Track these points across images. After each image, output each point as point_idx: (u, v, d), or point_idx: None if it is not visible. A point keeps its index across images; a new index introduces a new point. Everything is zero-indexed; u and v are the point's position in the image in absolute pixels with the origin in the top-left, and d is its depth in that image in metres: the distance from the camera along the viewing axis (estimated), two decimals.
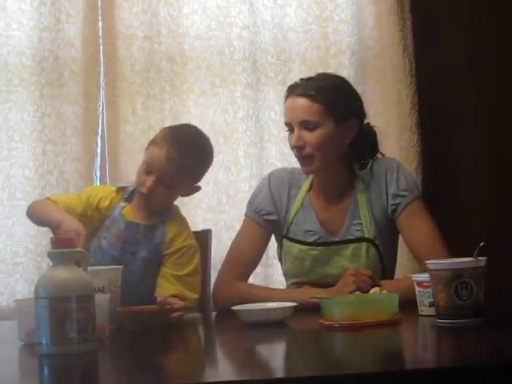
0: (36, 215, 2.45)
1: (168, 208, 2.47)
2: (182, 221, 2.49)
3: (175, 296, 2.28)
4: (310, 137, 2.37)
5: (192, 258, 2.43)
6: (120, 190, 2.50)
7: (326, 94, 2.38)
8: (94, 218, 2.44)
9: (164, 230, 2.43)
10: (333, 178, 2.46)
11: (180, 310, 2.18)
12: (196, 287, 2.42)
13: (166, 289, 2.34)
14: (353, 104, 2.46)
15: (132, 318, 2.14)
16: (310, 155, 2.38)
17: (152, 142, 2.44)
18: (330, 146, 2.39)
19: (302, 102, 2.38)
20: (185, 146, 2.40)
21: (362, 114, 2.48)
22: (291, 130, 2.42)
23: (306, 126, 2.37)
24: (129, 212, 2.44)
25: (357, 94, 2.50)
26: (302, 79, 2.47)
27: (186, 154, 2.39)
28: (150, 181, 2.37)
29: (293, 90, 2.42)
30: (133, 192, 2.47)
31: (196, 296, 2.40)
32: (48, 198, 2.48)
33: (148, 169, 2.39)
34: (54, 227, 2.27)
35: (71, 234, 2.15)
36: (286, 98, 2.44)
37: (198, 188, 2.50)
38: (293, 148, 2.42)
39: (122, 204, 2.46)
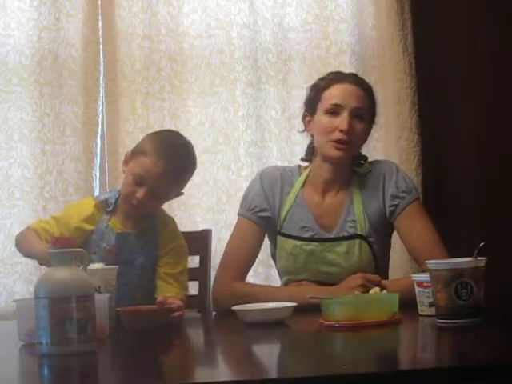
0: (24, 249, 2.38)
1: (155, 212, 2.44)
2: (172, 222, 2.48)
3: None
4: (359, 126, 2.42)
5: (183, 257, 2.44)
6: (100, 203, 2.40)
7: (372, 94, 2.48)
8: (75, 237, 2.26)
9: (156, 234, 2.41)
10: (337, 172, 2.46)
11: (179, 310, 2.18)
12: (186, 285, 2.43)
13: (166, 290, 2.33)
14: (376, 111, 2.52)
15: (131, 318, 2.14)
16: (351, 142, 2.40)
17: (140, 153, 2.35)
18: (361, 142, 2.48)
19: (358, 91, 2.44)
20: (179, 160, 2.36)
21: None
22: (333, 114, 2.41)
23: (356, 114, 2.41)
24: (116, 223, 2.38)
25: None
26: (346, 73, 2.53)
27: (180, 168, 2.36)
28: (141, 193, 2.31)
29: (345, 77, 2.47)
30: (115, 203, 2.40)
31: (186, 293, 2.41)
32: (28, 227, 2.39)
33: (139, 181, 2.32)
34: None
35: None
36: (333, 83, 2.45)
37: (182, 194, 2.48)
38: (331, 132, 2.39)
39: (106, 217, 2.39)
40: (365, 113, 2.43)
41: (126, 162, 2.39)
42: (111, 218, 2.39)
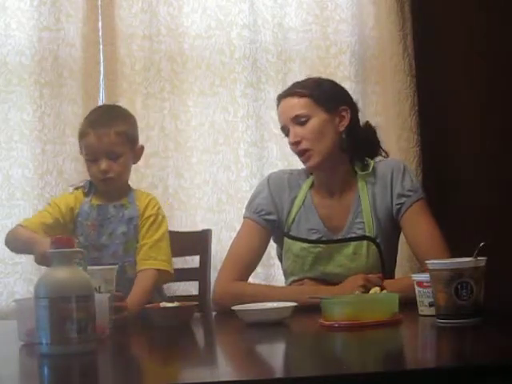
0: (14, 244, 2.53)
1: (130, 190, 2.58)
2: (149, 195, 2.61)
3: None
4: (304, 131, 2.42)
5: (161, 224, 2.54)
6: (78, 188, 2.58)
7: (309, 88, 2.46)
8: (67, 221, 2.53)
9: (135, 206, 2.53)
10: (334, 174, 2.47)
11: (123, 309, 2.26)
12: (168, 255, 2.52)
13: (143, 264, 2.46)
14: (339, 93, 2.51)
15: (158, 315, 2.18)
16: (307, 149, 2.41)
17: (79, 139, 2.55)
18: (326, 135, 2.43)
19: (289, 101, 2.46)
20: (103, 115, 2.54)
21: (352, 103, 2.51)
22: (288, 133, 2.45)
23: (298, 121, 2.43)
24: (96, 202, 2.54)
25: (341, 86, 2.56)
26: (287, 89, 2.54)
27: (107, 120, 2.51)
28: (101, 165, 2.46)
29: (280, 97, 2.51)
30: (90, 187, 2.56)
31: (169, 265, 2.50)
32: (20, 225, 2.54)
33: (91, 158, 2.49)
34: (31, 248, 2.35)
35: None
36: (277, 106, 2.51)
37: (142, 148, 2.60)
38: (291, 147, 2.46)
39: (87, 199, 2.55)
40: (304, 114, 2.42)
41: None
42: (92, 199, 2.54)
